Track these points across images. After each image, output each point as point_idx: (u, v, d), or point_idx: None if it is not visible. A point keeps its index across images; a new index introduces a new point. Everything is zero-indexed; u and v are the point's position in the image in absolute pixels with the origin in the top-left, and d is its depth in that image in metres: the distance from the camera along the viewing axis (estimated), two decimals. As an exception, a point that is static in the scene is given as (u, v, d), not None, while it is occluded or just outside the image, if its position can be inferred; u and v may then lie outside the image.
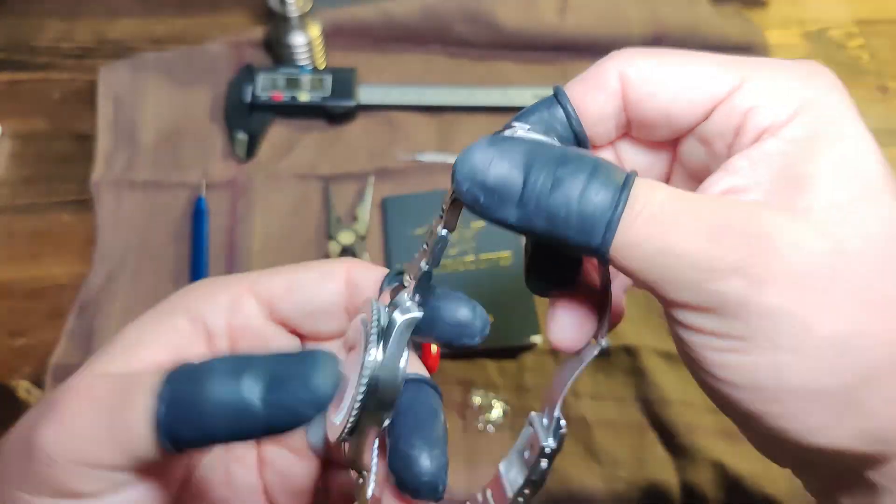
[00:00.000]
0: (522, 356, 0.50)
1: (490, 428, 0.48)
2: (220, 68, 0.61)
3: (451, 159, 0.57)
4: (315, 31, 0.60)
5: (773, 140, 0.19)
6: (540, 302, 0.50)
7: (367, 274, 0.23)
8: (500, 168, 0.19)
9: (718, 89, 0.20)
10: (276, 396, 0.17)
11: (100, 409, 0.19)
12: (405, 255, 0.52)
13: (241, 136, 0.57)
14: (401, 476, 0.21)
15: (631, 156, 0.23)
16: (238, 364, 0.18)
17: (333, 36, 0.63)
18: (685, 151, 0.22)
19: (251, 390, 0.17)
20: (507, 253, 0.52)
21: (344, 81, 0.59)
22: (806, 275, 0.17)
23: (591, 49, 0.64)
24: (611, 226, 0.18)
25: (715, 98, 0.20)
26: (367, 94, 0.59)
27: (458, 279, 0.51)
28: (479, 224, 0.53)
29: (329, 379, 0.18)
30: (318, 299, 0.23)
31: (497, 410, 0.48)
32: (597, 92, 0.21)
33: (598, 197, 0.18)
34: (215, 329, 0.23)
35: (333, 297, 0.23)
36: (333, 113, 0.58)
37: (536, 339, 0.49)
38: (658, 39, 0.64)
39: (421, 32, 0.63)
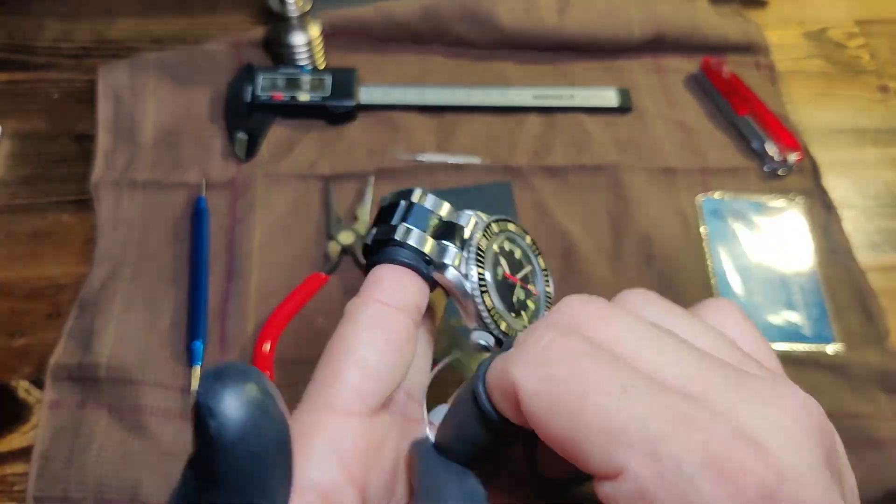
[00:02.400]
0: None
1: None
2: (219, 68, 0.61)
3: (452, 159, 0.57)
4: (315, 31, 0.60)
5: None
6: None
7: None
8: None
9: None
10: None
11: None
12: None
13: (241, 136, 0.57)
14: None
15: None
16: None
17: (333, 36, 0.63)
18: None
19: None
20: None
21: (344, 82, 0.59)
22: None
23: (591, 49, 0.64)
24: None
25: None
26: (367, 94, 0.59)
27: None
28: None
29: None
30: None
31: None
32: None
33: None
34: None
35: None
36: (333, 113, 0.58)
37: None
38: (658, 39, 0.64)
39: (421, 32, 0.63)
